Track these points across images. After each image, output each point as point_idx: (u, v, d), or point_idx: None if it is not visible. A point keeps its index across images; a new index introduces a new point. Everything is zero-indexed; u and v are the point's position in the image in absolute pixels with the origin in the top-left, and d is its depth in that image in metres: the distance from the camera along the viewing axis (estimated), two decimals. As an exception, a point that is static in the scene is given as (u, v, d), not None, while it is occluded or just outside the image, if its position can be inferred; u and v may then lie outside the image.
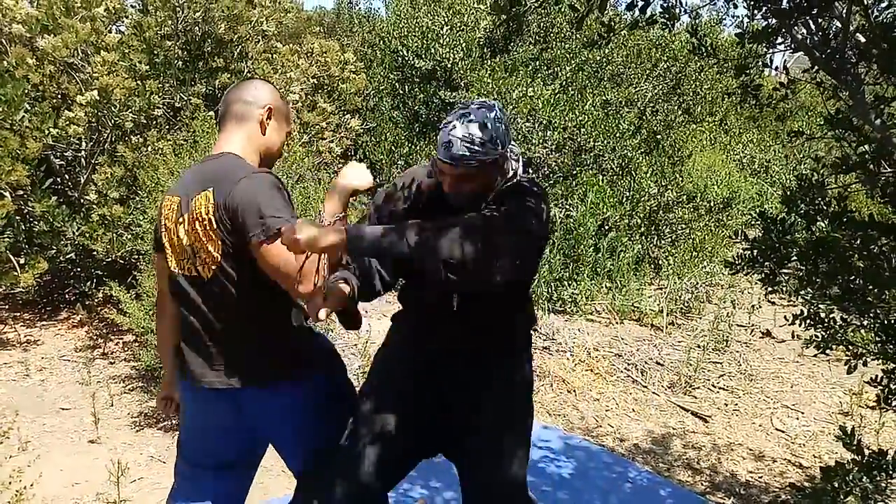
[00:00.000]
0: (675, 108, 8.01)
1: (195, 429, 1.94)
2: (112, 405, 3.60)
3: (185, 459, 1.97)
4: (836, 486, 1.91)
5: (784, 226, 2.33)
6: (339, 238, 1.55)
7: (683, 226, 6.54)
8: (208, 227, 1.73)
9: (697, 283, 5.81)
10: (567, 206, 5.84)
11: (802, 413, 4.28)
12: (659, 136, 7.57)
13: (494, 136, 1.71)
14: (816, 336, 2.40)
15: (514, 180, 1.83)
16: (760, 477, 3.52)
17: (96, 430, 3.37)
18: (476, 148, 1.68)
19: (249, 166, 1.81)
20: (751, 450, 3.78)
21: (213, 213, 1.72)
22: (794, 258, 2.26)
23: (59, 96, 4.53)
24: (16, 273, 4.27)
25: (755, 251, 2.41)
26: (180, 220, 1.80)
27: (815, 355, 3.38)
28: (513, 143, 1.86)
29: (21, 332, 4.39)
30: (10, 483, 2.69)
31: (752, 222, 6.73)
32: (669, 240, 6.53)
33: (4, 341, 4.27)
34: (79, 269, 4.64)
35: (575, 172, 6.13)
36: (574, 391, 4.22)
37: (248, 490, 2.04)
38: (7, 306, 4.75)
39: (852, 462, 1.84)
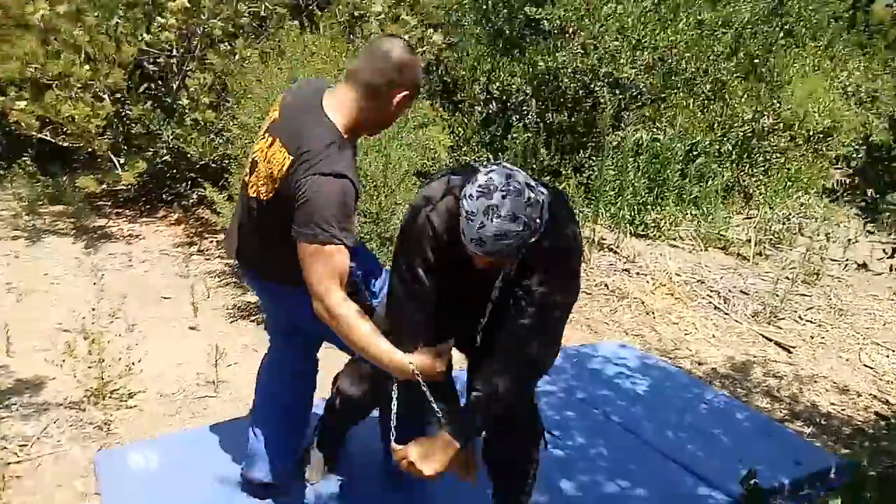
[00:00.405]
0: (777, 30, 7.50)
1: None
2: (209, 297, 3.81)
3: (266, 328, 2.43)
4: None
5: (891, 154, 2.20)
6: (453, 451, 1.72)
7: (778, 154, 6.23)
8: (276, 175, 1.86)
9: (790, 214, 5.58)
10: (654, 130, 5.63)
11: (893, 351, 4.13)
12: (756, 60, 7.12)
13: (528, 223, 1.55)
14: (918, 269, 2.29)
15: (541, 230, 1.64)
16: (843, 409, 3.46)
17: (195, 319, 3.60)
18: (510, 242, 1.55)
19: (334, 145, 1.82)
20: (835, 383, 3.70)
21: (283, 176, 1.84)
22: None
23: (151, 3, 4.62)
24: (117, 172, 4.50)
25: (857, 178, 2.29)
26: (266, 148, 1.93)
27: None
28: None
29: (123, 226, 4.66)
30: (119, 358, 2.92)
31: (855, 154, 6.34)
32: (762, 168, 6.24)
33: (109, 234, 4.54)
34: (174, 171, 4.84)
35: (664, 95, 5.88)
36: (653, 313, 4.19)
37: (312, 356, 2.33)
38: (110, 202, 5.02)
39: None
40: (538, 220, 1.58)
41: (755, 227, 5.46)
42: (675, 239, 5.27)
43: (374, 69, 1.85)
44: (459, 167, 2.13)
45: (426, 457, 1.71)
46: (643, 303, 4.25)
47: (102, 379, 2.81)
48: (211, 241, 4.53)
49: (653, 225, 5.29)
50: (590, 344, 3.76)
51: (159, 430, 2.76)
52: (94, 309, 3.04)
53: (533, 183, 1.61)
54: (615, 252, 4.87)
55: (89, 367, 2.80)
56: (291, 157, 1.83)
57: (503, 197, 1.53)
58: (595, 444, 2.83)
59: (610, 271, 4.58)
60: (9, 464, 2.46)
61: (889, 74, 9.04)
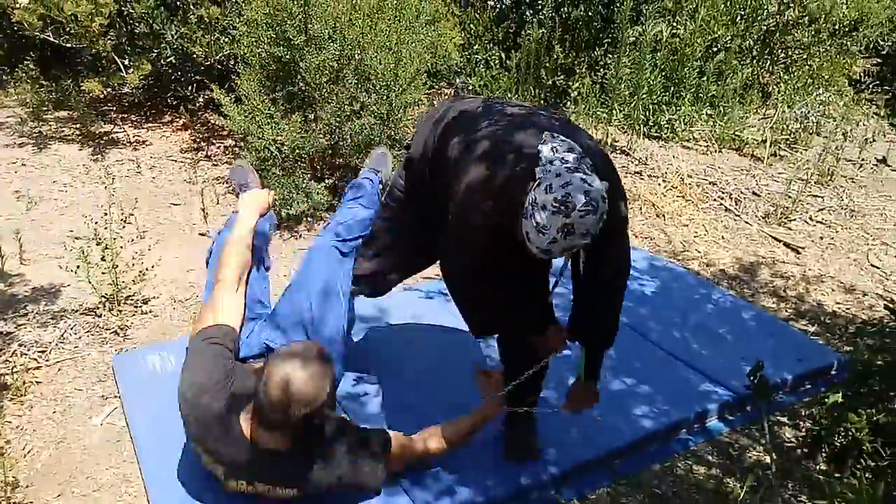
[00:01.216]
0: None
1: None
2: (217, 202, 3.82)
3: None
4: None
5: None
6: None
7: (801, 50, 5.99)
8: None
9: (808, 113, 5.43)
10: (674, 24, 5.41)
11: (903, 251, 4.11)
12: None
13: (595, 234, 1.61)
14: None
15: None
16: (848, 308, 3.48)
17: (205, 224, 3.62)
18: (578, 249, 1.67)
19: None
20: (841, 283, 3.72)
21: None
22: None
23: None
24: (122, 73, 4.41)
25: (885, 68, 2.19)
26: None
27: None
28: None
29: (130, 132, 4.62)
30: (132, 265, 2.96)
31: (884, 42, 6.09)
32: (783, 65, 6.02)
33: (116, 140, 4.51)
34: (179, 73, 4.74)
35: (686, -15, 5.61)
36: (663, 215, 4.17)
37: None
38: (115, 107, 4.96)
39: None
40: (602, 225, 1.61)
41: (772, 127, 5.34)
42: (689, 140, 5.17)
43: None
44: (497, 111, 2.01)
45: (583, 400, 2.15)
46: (654, 205, 4.22)
47: (117, 285, 2.86)
48: (218, 147, 4.50)
49: (667, 126, 5.18)
50: (599, 246, 3.76)
51: (174, 335, 2.82)
52: (105, 215, 3.06)
53: (600, 167, 1.70)
54: (627, 154, 4.79)
55: (103, 274, 2.83)
56: None
57: (581, 216, 1.55)
58: (601, 343, 2.88)
59: (622, 173, 4.51)
60: (28, 370, 2.54)
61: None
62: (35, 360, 2.60)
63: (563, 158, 1.66)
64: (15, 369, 2.50)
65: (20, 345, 2.64)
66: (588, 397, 2.16)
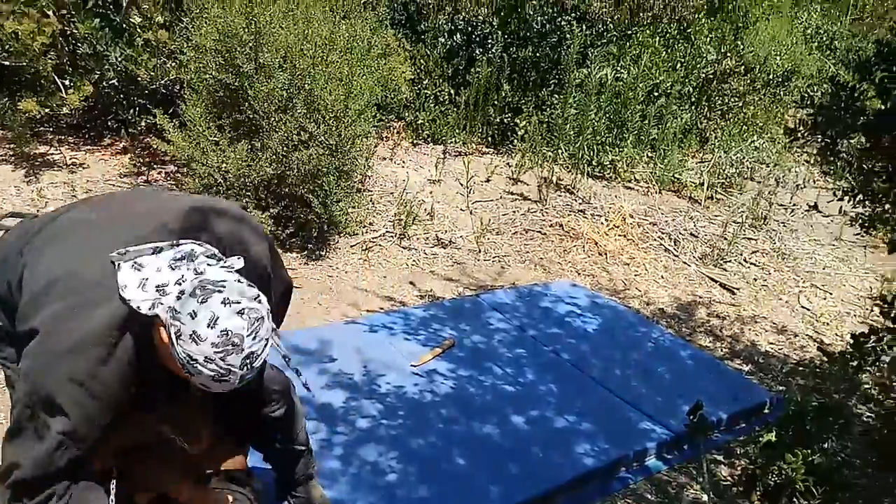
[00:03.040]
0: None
1: None
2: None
3: None
4: (863, 353, 1.94)
5: (854, 94, 2.22)
6: None
7: (737, 98, 6.27)
8: None
9: (743, 158, 5.66)
10: (618, 68, 5.60)
11: (831, 294, 4.29)
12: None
13: (266, 336, 1.36)
14: (863, 214, 2.35)
15: None
16: (780, 349, 3.60)
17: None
18: (263, 362, 1.39)
19: None
20: (774, 324, 3.84)
21: None
22: (860, 126, 2.17)
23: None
24: (62, 94, 4.28)
25: (819, 118, 2.31)
26: None
27: (856, 234, 3.33)
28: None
29: (66, 154, 4.47)
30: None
31: (816, 94, 6.41)
32: (720, 112, 6.29)
33: (51, 162, 4.36)
34: (122, 96, 4.62)
35: (630, 32, 5.83)
36: (605, 254, 4.25)
37: None
38: (52, 129, 4.80)
39: (886, 329, 1.86)
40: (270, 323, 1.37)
41: (708, 171, 5.54)
42: (630, 181, 5.31)
43: None
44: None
45: None
46: (596, 243, 4.31)
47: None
48: (160, 172, 4.39)
49: (610, 166, 5.32)
50: (542, 283, 3.81)
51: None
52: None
53: (232, 266, 1.41)
54: (571, 193, 4.89)
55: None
56: None
57: (253, 338, 1.31)
58: (544, 380, 2.90)
59: (565, 212, 4.62)
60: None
61: (847, 17, 9.10)
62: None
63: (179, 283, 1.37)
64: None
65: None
66: None
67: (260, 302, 1.34)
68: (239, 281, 1.35)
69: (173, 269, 1.36)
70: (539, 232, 4.35)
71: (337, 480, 2.20)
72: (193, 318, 1.28)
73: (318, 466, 2.11)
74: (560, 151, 5.14)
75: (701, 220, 4.93)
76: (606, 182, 5.21)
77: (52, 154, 4.44)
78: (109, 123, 4.74)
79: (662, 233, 4.63)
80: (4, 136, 4.50)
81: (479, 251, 4.05)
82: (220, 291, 1.30)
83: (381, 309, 3.38)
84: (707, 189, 5.33)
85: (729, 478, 2.61)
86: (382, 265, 3.79)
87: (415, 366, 2.86)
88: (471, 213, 4.43)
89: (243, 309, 1.30)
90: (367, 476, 2.25)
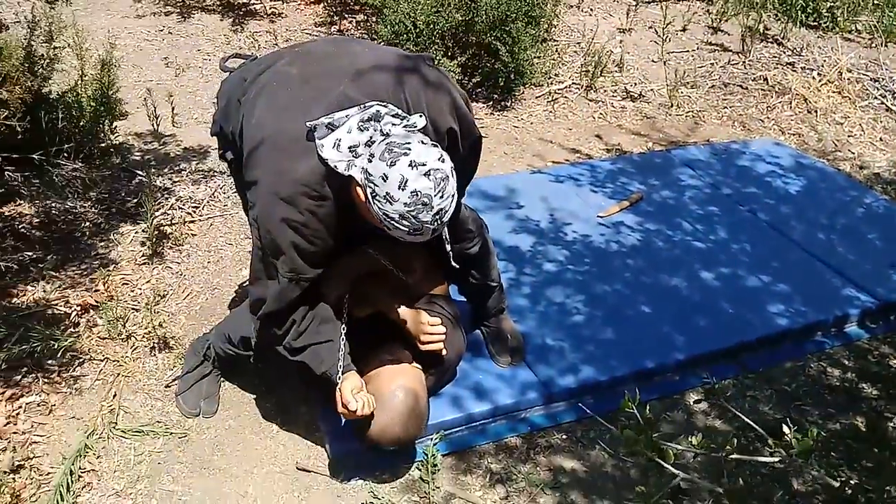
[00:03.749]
0: None
1: None
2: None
3: None
4: None
5: None
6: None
7: None
8: None
9: None
10: None
11: None
12: None
13: (455, 193, 1.45)
14: None
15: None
16: None
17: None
18: (451, 216, 1.47)
19: None
20: None
21: None
22: None
23: None
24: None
25: None
26: None
27: None
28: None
29: (266, 4, 4.68)
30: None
31: None
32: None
33: (253, 12, 4.59)
34: (314, -55, 4.70)
35: None
36: (815, 111, 3.85)
37: None
38: (252, -20, 5.01)
39: None
40: (455, 178, 1.45)
41: (953, 19, 4.73)
42: (851, 31, 4.67)
43: None
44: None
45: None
46: (806, 100, 3.90)
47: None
48: (350, 21, 4.49)
49: (828, 14, 4.69)
50: (740, 141, 3.55)
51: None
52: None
53: (414, 125, 1.47)
54: (780, 44, 4.41)
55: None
56: None
57: (441, 197, 1.40)
58: (738, 239, 2.78)
59: (771, 64, 4.19)
60: (185, 223, 2.74)
61: None
62: (190, 214, 2.80)
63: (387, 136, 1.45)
64: (174, 221, 2.70)
65: (177, 199, 2.85)
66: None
67: (443, 161, 1.41)
68: (422, 142, 1.42)
69: (362, 130, 1.46)
70: (740, 86, 4.01)
71: (525, 316, 2.31)
72: (385, 181, 1.38)
73: (508, 302, 2.22)
74: (770, -4, 4.60)
75: (935, 76, 4.27)
76: (822, 32, 4.62)
77: (254, 4, 4.67)
78: (304, -28, 4.85)
79: (885, 90, 4.09)
80: (213, -14, 4.77)
81: (672, 105, 3.83)
82: (405, 154, 1.38)
83: (567, 161, 3.34)
84: (947, 41, 4.57)
85: (942, 353, 2.42)
86: (568, 117, 3.70)
87: (601, 216, 2.85)
88: (664, 63, 4.15)
89: (429, 170, 1.38)
90: (554, 314, 2.33)
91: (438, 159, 1.41)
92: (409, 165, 1.38)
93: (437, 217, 1.41)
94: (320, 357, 1.69)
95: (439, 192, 1.39)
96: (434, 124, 1.57)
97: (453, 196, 1.43)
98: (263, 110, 1.57)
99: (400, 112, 1.51)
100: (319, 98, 1.51)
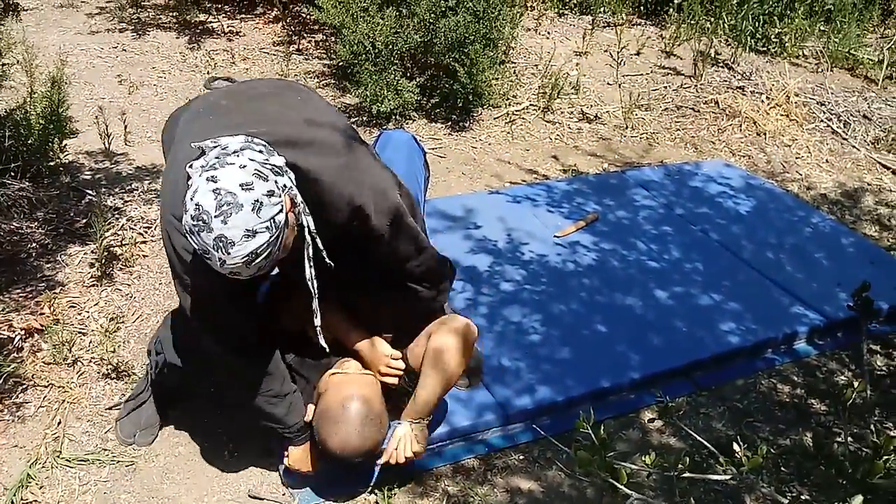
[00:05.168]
0: None
1: None
2: (309, 96, 3.84)
3: None
4: None
5: None
6: None
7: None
8: None
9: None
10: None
11: None
12: None
13: (271, 226, 1.28)
14: None
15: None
16: (958, 243, 3.29)
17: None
18: (267, 255, 1.31)
19: None
20: (954, 216, 3.49)
21: None
22: None
23: None
24: (217, -38, 4.40)
25: None
26: None
27: None
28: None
29: (224, 22, 4.65)
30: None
31: None
32: (913, -22, 5.50)
33: (210, 30, 4.55)
34: (272, -35, 4.69)
35: None
36: (764, 134, 3.97)
37: None
38: (209, -2, 4.97)
39: None
40: (280, 211, 1.30)
41: (890, 48, 4.93)
42: (798, 56, 4.84)
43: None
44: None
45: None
46: (755, 122, 4.02)
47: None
48: (309, 41, 4.49)
49: (776, 40, 4.85)
50: (693, 162, 3.64)
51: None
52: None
53: (255, 158, 1.32)
54: (731, 68, 4.54)
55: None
56: None
57: (223, 222, 1.25)
58: (690, 258, 2.83)
59: (722, 88, 4.31)
60: (136, 243, 2.68)
61: None
62: (141, 234, 2.73)
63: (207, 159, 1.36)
64: (124, 241, 2.64)
65: (128, 219, 2.78)
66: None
67: (247, 190, 1.27)
68: (242, 166, 1.29)
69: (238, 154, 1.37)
70: (692, 109, 4.11)
71: (482, 336, 2.31)
72: (189, 188, 1.31)
73: None
74: (721, 22, 4.74)
75: (876, 101, 4.45)
76: (771, 57, 4.77)
77: (211, 22, 4.63)
78: (262, -8, 4.84)
79: (831, 113, 4.24)
80: (167, 4, 4.73)
81: (627, 127, 3.90)
82: (214, 168, 1.29)
83: (524, 181, 3.38)
84: (886, 68, 4.76)
85: (884, 368, 2.49)
86: (525, 138, 3.75)
87: (558, 236, 2.88)
88: (619, 86, 4.24)
89: (218, 189, 1.26)
90: (511, 334, 2.34)
91: (242, 185, 1.27)
92: (208, 179, 1.28)
93: (222, 245, 1.26)
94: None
95: (220, 215, 1.25)
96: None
97: (247, 231, 1.26)
98: (181, 134, 1.56)
99: (266, 146, 1.40)
100: (229, 129, 1.44)
